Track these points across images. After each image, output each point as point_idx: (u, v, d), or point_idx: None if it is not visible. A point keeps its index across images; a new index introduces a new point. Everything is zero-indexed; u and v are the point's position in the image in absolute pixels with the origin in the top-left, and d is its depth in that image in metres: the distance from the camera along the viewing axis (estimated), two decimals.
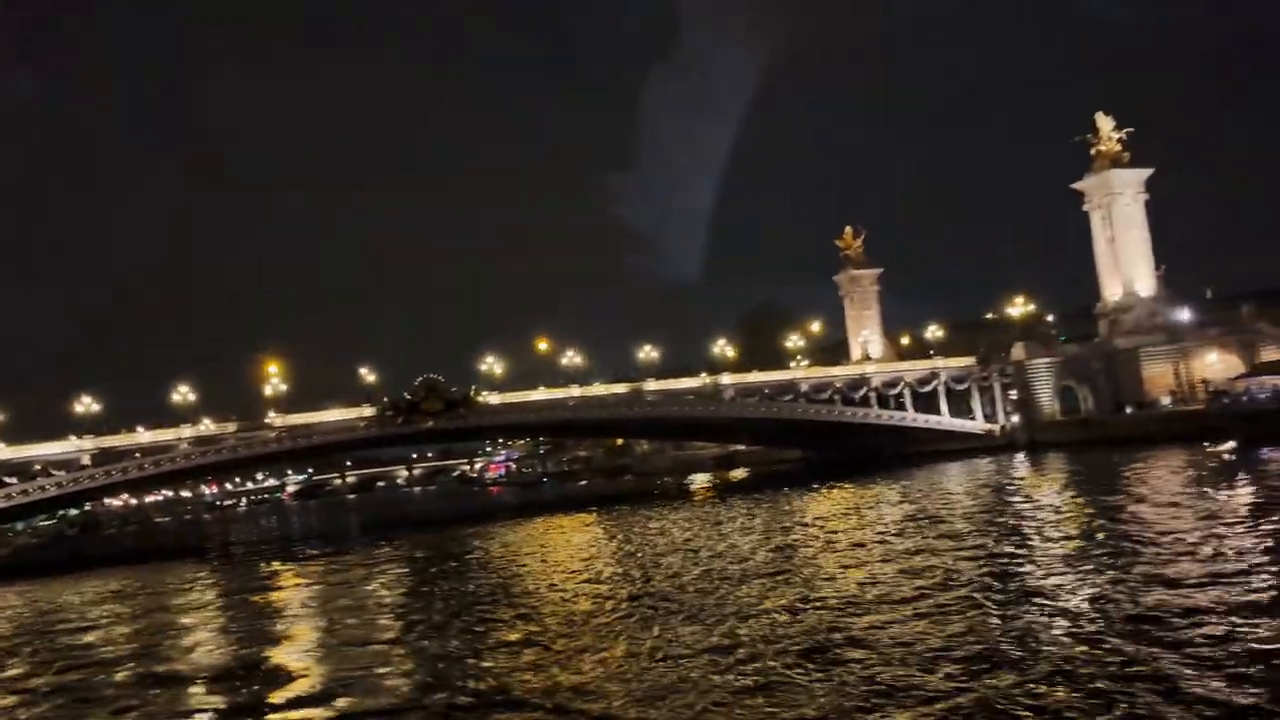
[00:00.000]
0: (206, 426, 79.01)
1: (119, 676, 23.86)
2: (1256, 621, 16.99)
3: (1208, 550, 24.81)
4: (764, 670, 17.12)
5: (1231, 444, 57.90)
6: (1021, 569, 25.54)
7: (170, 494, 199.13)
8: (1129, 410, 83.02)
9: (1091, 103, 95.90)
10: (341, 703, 18.46)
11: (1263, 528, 27.06)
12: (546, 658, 20.51)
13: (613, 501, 75.79)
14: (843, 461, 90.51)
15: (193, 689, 21.83)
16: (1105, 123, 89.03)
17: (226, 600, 39.70)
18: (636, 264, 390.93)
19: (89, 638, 31.58)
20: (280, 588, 43.02)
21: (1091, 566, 24.53)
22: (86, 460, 72.38)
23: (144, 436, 77.16)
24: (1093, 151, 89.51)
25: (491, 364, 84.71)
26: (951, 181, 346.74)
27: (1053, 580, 23.49)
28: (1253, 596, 19.00)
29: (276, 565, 54.54)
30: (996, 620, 19.54)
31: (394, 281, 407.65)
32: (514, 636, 23.52)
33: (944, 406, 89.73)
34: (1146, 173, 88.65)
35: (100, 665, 25.80)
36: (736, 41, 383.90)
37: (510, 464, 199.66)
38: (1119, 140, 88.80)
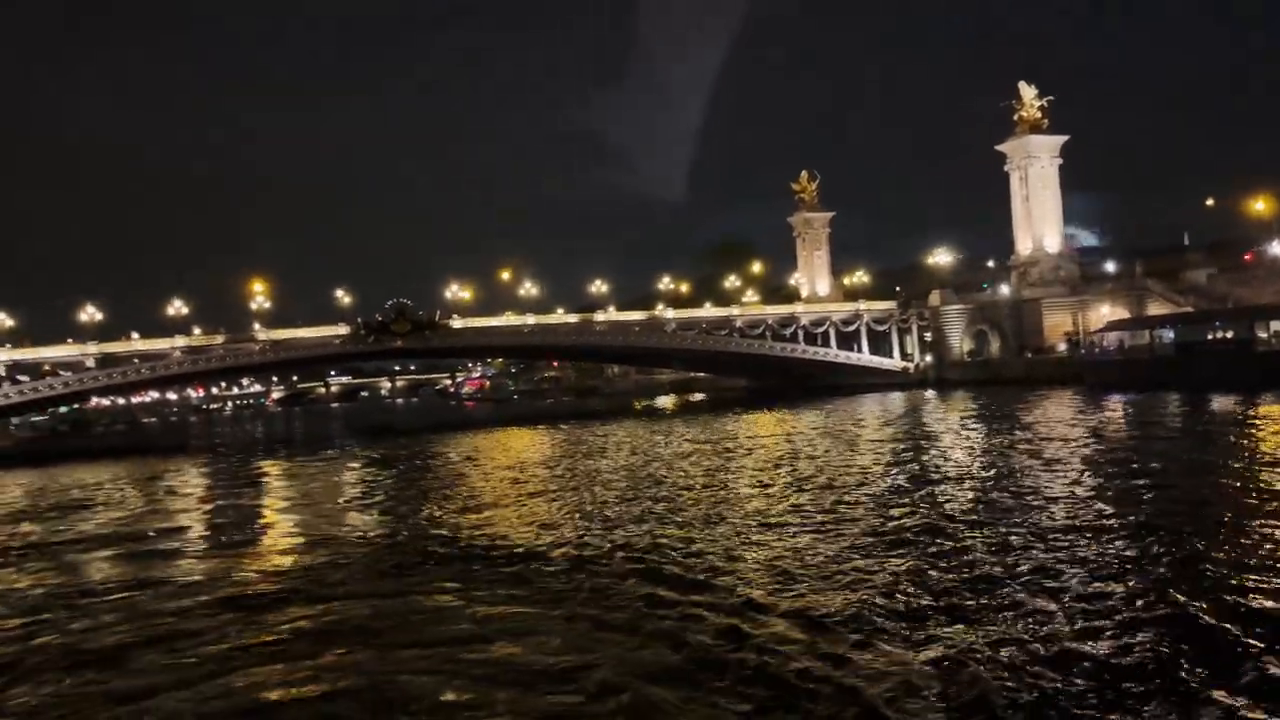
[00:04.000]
0: (198, 336, 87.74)
1: (125, 532, 29.34)
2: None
3: (1028, 459, 32.81)
4: (639, 520, 24.96)
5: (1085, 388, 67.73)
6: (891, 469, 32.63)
7: (157, 395, 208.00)
8: (1029, 355, 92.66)
9: (1018, 70, 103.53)
10: (312, 548, 23.97)
11: (1070, 451, 33.83)
12: (482, 516, 27.32)
13: (575, 417, 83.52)
14: (781, 390, 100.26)
15: (185, 543, 27.05)
16: (1027, 91, 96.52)
17: (212, 482, 46.96)
18: (615, 179, 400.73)
19: (97, 506, 37.67)
20: (261, 475, 49.82)
21: (954, 470, 31.54)
22: (91, 363, 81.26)
23: (140, 344, 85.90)
24: (1015, 117, 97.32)
25: (456, 290, 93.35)
26: (909, 135, 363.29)
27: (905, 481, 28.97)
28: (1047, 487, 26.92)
29: (258, 460, 60.59)
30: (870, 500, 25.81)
31: (371, 203, 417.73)
32: (461, 504, 30.33)
33: (865, 345, 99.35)
34: (1061, 139, 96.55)
35: (107, 526, 31.14)
36: None
37: (485, 380, 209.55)
38: (1039, 108, 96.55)
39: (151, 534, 29.29)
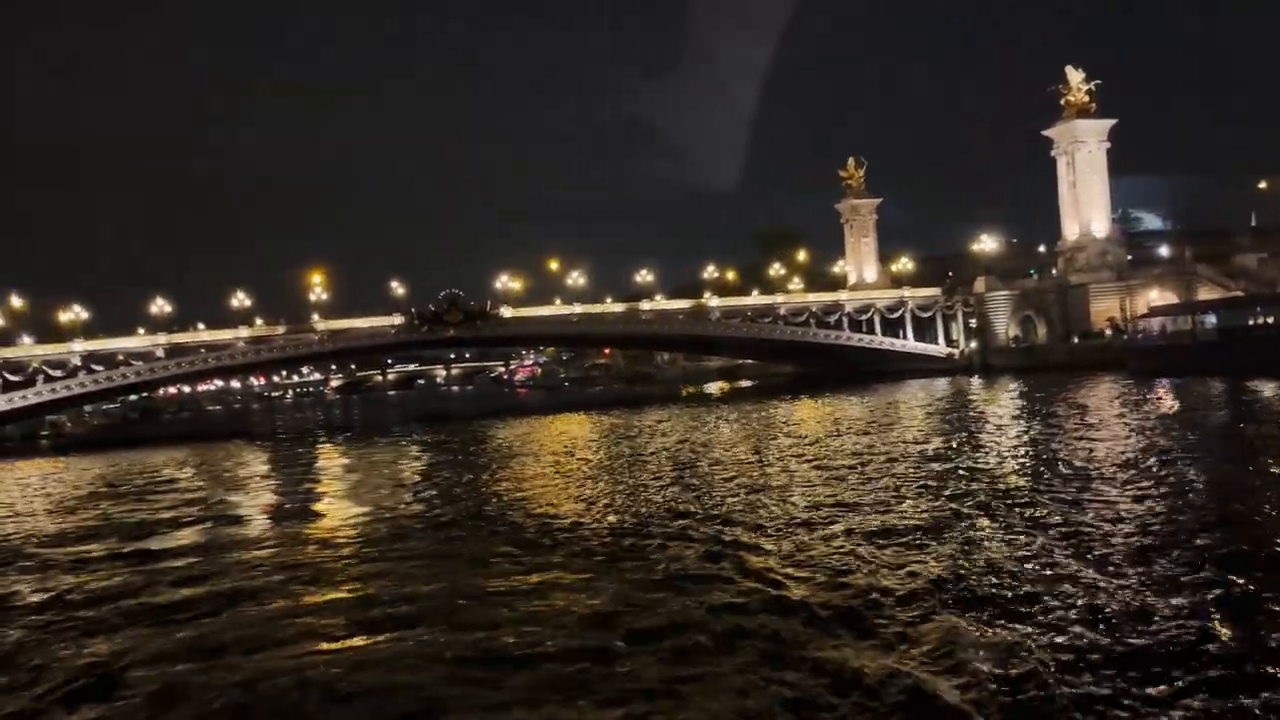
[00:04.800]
0: (260, 327, 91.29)
1: (195, 511, 31.57)
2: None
3: (1068, 437, 34.51)
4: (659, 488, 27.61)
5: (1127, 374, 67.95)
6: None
7: (221, 384, 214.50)
8: (1075, 340, 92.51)
9: (1065, 54, 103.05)
10: (372, 521, 26.01)
11: (1108, 435, 34.54)
12: (532, 494, 29.36)
13: (623, 403, 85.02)
14: (827, 376, 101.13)
15: (252, 518, 29.48)
16: (1075, 75, 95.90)
17: (276, 465, 49.76)
18: (669, 169, 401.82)
19: (168, 487, 40.29)
20: (322, 458, 52.63)
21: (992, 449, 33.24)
22: (160, 354, 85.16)
23: (206, 334, 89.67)
24: (1062, 101, 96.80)
25: (506, 281, 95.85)
26: (955, 120, 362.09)
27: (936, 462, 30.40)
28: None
29: (318, 445, 63.40)
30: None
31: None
32: (512, 484, 32.37)
33: (909, 332, 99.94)
34: (1109, 123, 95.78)
35: (178, 505, 33.47)
36: None
37: (537, 368, 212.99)
38: (1087, 92, 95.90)
39: (219, 511, 31.43)
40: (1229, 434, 33.13)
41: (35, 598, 19.36)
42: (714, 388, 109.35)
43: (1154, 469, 25.65)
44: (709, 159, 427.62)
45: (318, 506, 31.57)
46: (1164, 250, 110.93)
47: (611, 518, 23.80)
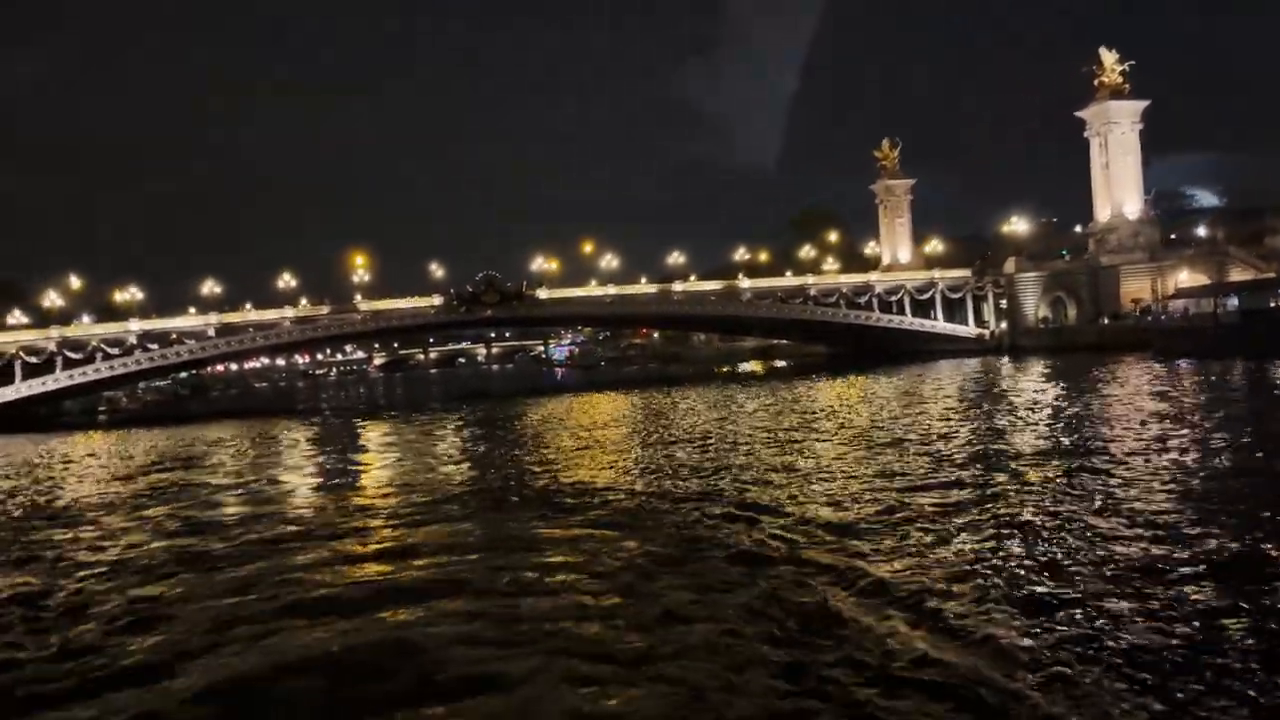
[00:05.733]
0: (305, 307, 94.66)
1: (244, 478, 33.89)
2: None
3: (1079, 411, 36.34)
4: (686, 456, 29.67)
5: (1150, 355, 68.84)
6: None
7: (267, 361, 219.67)
8: (1105, 321, 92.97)
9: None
10: (411, 489, 27.65)
11: (1130, 415, 34.88)
12: (565, 465, 30.99)
13: (658, 382, 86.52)
14: (859, 356, 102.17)
15: (297, 485, 31.68)
16: (1108, 56, 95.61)
17: (321, 439, 52.00)
18: (707, 149, 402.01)
19: (219, 458, 43.17)
20: (365, 433, 54.93)
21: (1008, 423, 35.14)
22: (211, 332, 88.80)
23: (254, 314, 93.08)
24: (1095, 82, 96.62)
25: (541, 263, 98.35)
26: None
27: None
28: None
29: (362, 421, 65.65)
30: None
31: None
32: (546, 457, 34.09)
33: (939, 312, 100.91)
34: (1142, 104, 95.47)
35: (229, 474, 36.11)
36: None
37: (575, 348, 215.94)
38: (1120, 73, 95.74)
39: (267, 478, 33.81)
40: (1240, 414, 34.02)
41: (99, 550, 21.66)
42: (747, 367, 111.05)
43: (1161, 450, 25.70)
44: (749, 140, 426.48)
45: (362, 476, 33.65)
46: (1201, 231, 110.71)
47: (639, 487, 25.16)
